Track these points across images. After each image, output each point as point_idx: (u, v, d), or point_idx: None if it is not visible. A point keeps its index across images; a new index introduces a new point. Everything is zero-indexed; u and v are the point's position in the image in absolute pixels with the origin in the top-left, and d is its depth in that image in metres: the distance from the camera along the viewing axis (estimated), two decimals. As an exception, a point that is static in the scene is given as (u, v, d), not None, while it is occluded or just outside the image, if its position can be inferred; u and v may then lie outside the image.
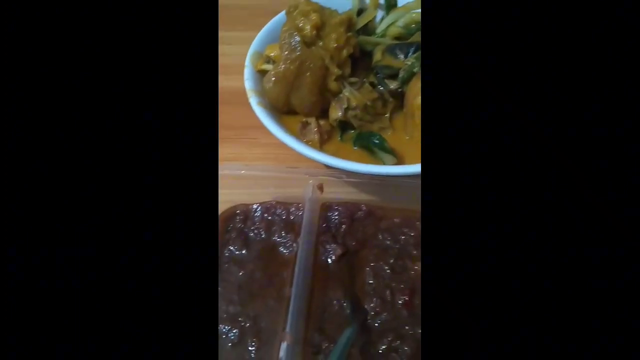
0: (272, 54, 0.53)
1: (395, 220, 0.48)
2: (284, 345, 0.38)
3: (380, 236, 0.47)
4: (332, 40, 0.49)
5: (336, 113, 0.51)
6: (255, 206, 0.50)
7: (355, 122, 0.52)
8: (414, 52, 0.53)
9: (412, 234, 0.47)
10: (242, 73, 0.55)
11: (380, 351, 0.40)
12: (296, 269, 0.42)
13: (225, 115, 0.51)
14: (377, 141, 0.48)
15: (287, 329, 0.39)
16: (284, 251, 0.47)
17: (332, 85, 0.50)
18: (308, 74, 0.49)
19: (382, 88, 0.52)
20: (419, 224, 0.48)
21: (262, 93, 0.53)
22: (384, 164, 0.48)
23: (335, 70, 0.50)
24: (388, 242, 0.47)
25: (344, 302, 0.43)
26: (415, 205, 0.49)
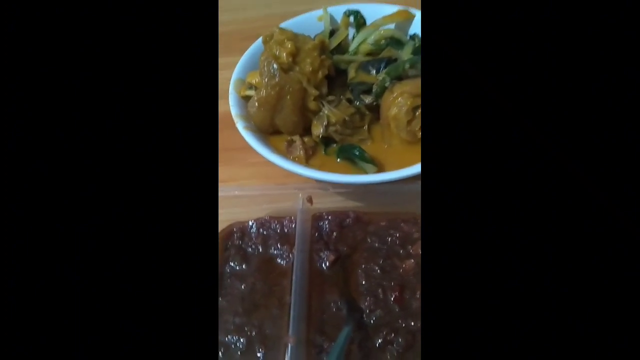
0: (253, 81, 0.57)
1: (381, 223, 0.52)
2: (289, 348, 0.41)
3: (369, 239, 0.51)
4: (308, 64, 0.53)
5: (318, 130, 0.55)
6: (250, 223, 0.54)
7: (336, 137, 0.56)
8: (384, 67, 0.57)
9: (398, 235, 0.51)
10: (225, 97, 0.59)
11: (377, 345, 0.43)
12: (294, 277, 0.45)
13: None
14: (357, 153, 0.52)
15: (290, 332, 0.42)
16: (281, 262, 0.50)
17: (312, 104, 0.55)
18: (288, 97, 0.53)
19: (358, 103, 0.57)
20: (403, 224, 0.52)
21: (247, 117, 0.57)
22: (366, 173, 0.52)
23: (313, 92, 0.54)
24: (376, 245, 0.50)
25: (340, 304, 0.46)
26: (398, 207, 0.53)
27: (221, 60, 0.64)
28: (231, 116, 0.57)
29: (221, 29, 0.54)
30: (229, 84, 0.60)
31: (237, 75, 0.62)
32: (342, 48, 0.65)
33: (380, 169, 0.53)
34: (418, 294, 0.46)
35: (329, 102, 0.56)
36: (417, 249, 0.49)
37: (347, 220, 0.53)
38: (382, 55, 0.61)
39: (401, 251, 0.49)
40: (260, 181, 0.63)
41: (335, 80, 0.60)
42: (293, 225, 0.52)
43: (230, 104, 0.58)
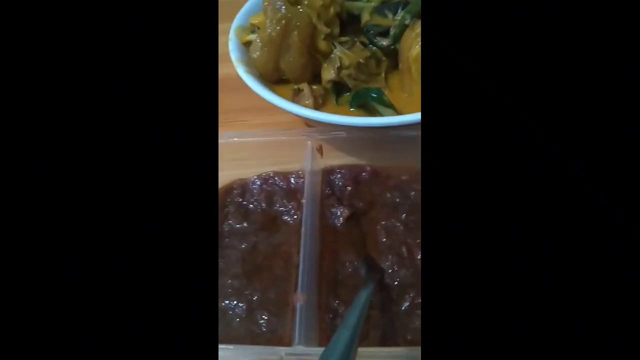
0: (256, 22, 0.51)
1: (402, 177, 0.45)
2: (297, 311, 0.34)
3: (388, 194, 0.44)
4: (318, -3, 0.47)
5: (329, 74, 0.49)
6: (253, 179, 0.47)
7: (350, 83, 0.49)
8: (403, 8, 0.51)
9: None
10: (226, 61, 0.52)
11: (403, 309, 0.36)
12: (302, 234, 0.38)
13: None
14: (375, 95, 0.46)
15: (299, 290, 0.35)
16: (288, 220, 0.43)
17: (322, 44, 0.48)
18: (295, 32, 0.47)
19: (373, 47, 0.50)
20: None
21: (249, 64, 0.51)
22: (385, 119, 0.45)
23: (324, 29, 0.47)
24: (398, 200, 0.43)
25: (358, 263, 0.39)
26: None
27: (222, 26, 0.59)
28: (232, 79, 0.50)
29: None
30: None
31: (238, 22, 0.55)
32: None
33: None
34: (449, 252, 0.39)
35: (342, 44, 0.49)
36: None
37: (363, 174, 0.46)
38: (398, -1, 0.54)
39: (427, 206, 0.43)
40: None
41: (347, 27, 0.53)
42: (301, 181, 0.45)
43: (230, 49, 0.51)
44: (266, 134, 0.44)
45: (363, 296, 0.36)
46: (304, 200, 0.40)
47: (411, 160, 0.46)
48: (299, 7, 0.47)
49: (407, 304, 0.37)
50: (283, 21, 0.46)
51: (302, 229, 0.38)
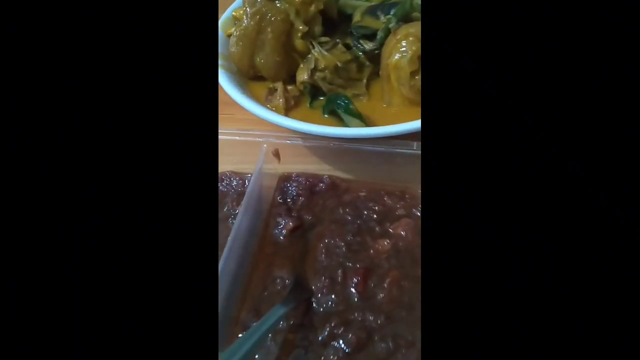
0: (237, 14, 0.49)
1: (360, 193, 0.42)
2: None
3: (340, 210, 0.41)
4: (297, -8, 0.44)
5: (303, 74, 0.46)
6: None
7: (324, 86, 0.46)
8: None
9: (377, 208, 0.40)
10: None
11: (320, 338, 0.33)
12: (228, 241, 0.36)
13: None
14: (341, 103, 0.43)
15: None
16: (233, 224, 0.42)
17: (298, 43, 0.45)
18: (269, 29, 0.44)
19: (357, 50, 0.47)
20: (386, 197, 0.41)
21: (228, 57, 0.49)
22: (351, 129, 0.42)
23: (301, 27, 0.45)
24: (349, 217, 0.40)
25: (287, 280, 0.37)
26: (385, 177, 0.42)
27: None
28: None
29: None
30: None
31: (228, 14, 0.54)
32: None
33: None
34: (386, 283, 0.36)
35: (321, 44, 0.46)
36: (397, 228, 0.39)
37: (320, 185, 0.43)
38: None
39: (377, 228, 0.39)
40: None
41: (339, 26, 0.50)
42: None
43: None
44: (222, 132, 0.42)
45: (278, 311, 0.33)
46: (239, 208, 0.38)
47: (373, 174, 0.43)
48: (276, 2, 0.45)
49: (325, 333, 0.34)
50: (257, 16, 0.44)
51: (229, 238, 0.36)
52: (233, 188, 0.44)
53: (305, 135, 0.42)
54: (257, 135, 0.43)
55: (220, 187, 0.44)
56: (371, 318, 0.34)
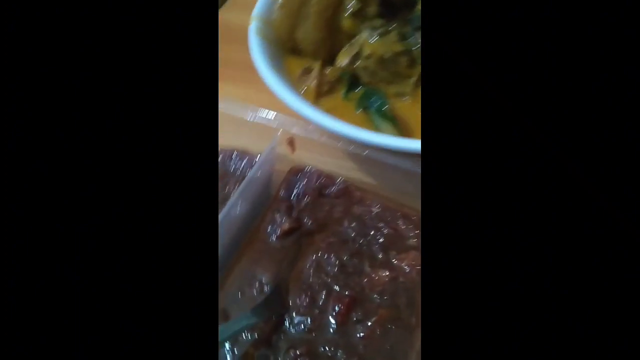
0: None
1: (373, 208, 0.37)
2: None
3: (346, 223, 0.36)
4: (355, -39, 0.38)
5: (344, 59, 0.40)
6: (219, 149, 0.42)
7: (365, 77, 0.40)
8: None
9: (386, 231, 0.35)
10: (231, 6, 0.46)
11: (280, 363, 0.30)
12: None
13: (235, 53, 0.43)
14: (376, 101, 0.37)
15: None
16: (228, 208, 0.38)
17: (346, 22, 0.40)
18: (314, 1, 0.39)
19: (413, 42, 0.40)
20: (401, 221, 0.35)
21: (268, 22, 0.44)
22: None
23: (353, 2, 0.39)
24: (352, 234, 0.35)
25: (268, 287, 0.33)
26: (407, 197, 0.37)
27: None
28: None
29: None
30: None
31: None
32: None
33: (405, 135, 0.37)
34: (371, 321, 0.31)
35: (373, 28, 0.40)
36: (402, 261, 0.33)
37: (332, 187, 0.38)
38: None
39: (380, 255, 0.34)
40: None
41: (400, 11, 0.43)
42: (259, 172, 0.39)
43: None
44: (234, 108, 0.38)
45: (247, 320, 0.30)
46: (232, 194, 0.34)
47: (395, 191, 0.37)
48: (331, -31, 0.39)
49: (287, 360, 0.30)
50: (304, -17, 0.39)
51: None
52: (237, 168, 0.40)
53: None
54: (274, 118, 0.38)
55: (221, 166, 0.40)
56: (342, 357, 0.29)
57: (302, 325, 0.31)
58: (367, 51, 0.39)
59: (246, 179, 0.35)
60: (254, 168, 0.35)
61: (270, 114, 0.38)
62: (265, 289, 0.33)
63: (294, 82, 0.42)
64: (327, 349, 0.30)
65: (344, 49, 0.41)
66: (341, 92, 0.42)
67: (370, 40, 0.39)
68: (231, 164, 0.40)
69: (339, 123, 0.35)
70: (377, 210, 0.36)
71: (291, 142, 0.38)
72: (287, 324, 0.31)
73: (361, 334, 0.30)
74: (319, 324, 0.31)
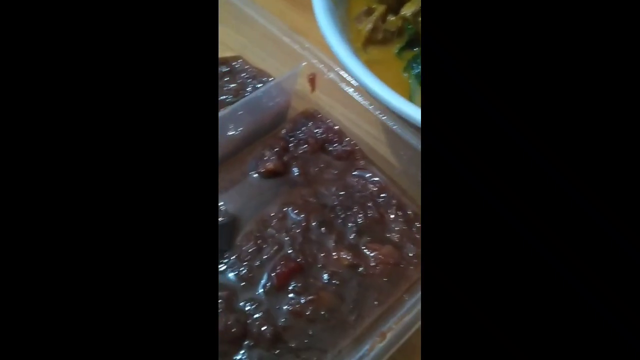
0: None
1: (369, 184, 0.31)
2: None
3: (333, 189, 0.31)
4: None
5: (410, 9, 0.34)
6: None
7: (425, 37, 0.34)
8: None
9: (369, 214, 0.30)
10: None
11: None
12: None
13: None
14: (418, 65, 0.31)
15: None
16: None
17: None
18: None
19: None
20: (391, 211, 0.30)
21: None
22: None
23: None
24: (335, 202, 0.31)
25: (224, 217, 0.30)
26: (413, 188, 0.31)
27: None
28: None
29: None
30: None
31: None
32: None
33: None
34: (307, 298, 0.27)
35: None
36: (372, 251, 0.29)
37: (337, 145, 0.33)
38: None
39: (352, 236, 0.29)
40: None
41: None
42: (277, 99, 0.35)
43: None
44: (269, 20, 0.33)
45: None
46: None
47: (403, 174, 0.32)
48: None
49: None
50: None
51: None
52: (237, 82, 0.36)
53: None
54: (303, 45, 0.33)
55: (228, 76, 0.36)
56: (257, 319, 0.26)
57: (236, 272, 0.28)
58: (439, 7, 0.32)
59: (254, 92, 0.31)
60: (265, 86, 0.31)
61: (301, 39, 0.33)
62: (221, 219, 0.30)
63: (349, 20, 0.36)
64: (248, 306, 0.27)
65: (416, -2, 0.34)
66: (396, 46, 0.36)
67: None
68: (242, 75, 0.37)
69: (370, 77, 0.30)
70: (373, 189, 0.31)
71: (312, 80, 0.34)
72: (223, 266, 0.29)
73: (289, 307, 0.27)
74: (252, 277, 0.28)
